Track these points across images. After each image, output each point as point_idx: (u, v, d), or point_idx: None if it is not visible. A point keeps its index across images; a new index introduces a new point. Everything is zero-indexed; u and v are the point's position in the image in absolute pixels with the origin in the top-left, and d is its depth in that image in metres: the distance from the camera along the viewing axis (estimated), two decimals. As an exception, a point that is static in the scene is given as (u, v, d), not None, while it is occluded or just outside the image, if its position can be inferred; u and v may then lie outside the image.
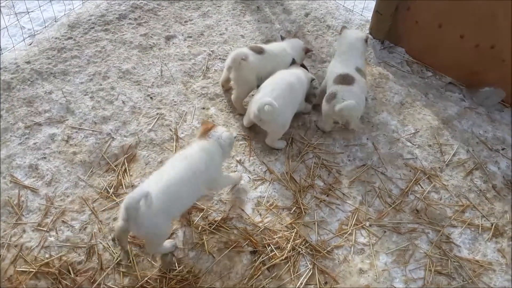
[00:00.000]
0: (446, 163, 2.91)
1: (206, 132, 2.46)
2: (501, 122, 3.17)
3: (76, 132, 2.88)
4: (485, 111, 3.26)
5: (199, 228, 2.53)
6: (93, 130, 2.90)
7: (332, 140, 3.00)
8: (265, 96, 2.73)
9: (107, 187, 2.68)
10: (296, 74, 2.97)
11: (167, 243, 2.41)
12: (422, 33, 3.45)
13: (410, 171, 2.87)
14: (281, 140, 2.93)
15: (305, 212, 2.64)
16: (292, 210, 2.65)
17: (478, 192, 2.77)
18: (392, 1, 3.39)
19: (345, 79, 2.87)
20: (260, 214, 2.63)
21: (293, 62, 3.14)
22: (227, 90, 3.18)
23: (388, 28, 3.57)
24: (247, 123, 2.99)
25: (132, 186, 2.69)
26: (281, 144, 2.92)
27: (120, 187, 2.69)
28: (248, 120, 2.95)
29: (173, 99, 3.13)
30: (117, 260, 2.39)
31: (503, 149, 2.98)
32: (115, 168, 2.77)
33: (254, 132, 2.98)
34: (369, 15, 3.79)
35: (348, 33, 3.16)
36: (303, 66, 3.23)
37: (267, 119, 2.73)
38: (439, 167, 2.89)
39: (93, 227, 2.51)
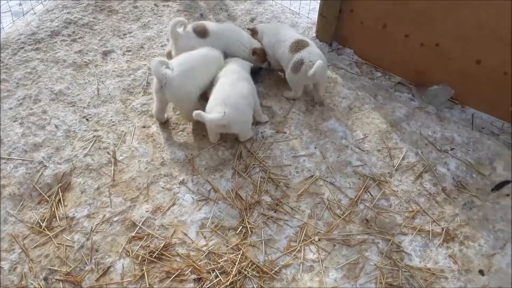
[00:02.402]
0: (395, 167, 2.84)
1: None
2: (450, 121, 3.12)
3: (5, 162, 2.70)
4: (434, 110, 3.20)
5: (139, 258, 2.39)
6: (23, 159, 2.72)
7: (279, 152, 2.89)
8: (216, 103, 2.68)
9: (39, 220, 2.51)
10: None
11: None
12: (368, 34, 3.38)
13: (360, 178, 2.79)
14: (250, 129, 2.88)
15: (251, 231, 2.53)
16: (239, 230, 2.53)
17: (428, 196, 2.71)
18: (335, 4, 3.30)
19: (301, 44, 2.98)
20: (205, 237, 2.50)
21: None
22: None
23: (333, 31, 3.48)
24: (214, 139, 2.88)
25: (66, 217, 2.53)
26: (251, 133, 2.90)
27: (54, 219, 2.53)
28: (213, 135, 2.85)
29: (111, 119, 2.97)
30: (50, 301, 2.24)
31: (452, 149, 2.92)
32: (48, 199, 2.60)
33: (197, 149, 2.85)
34: (315, 17, 3.70)
35: (265, 24, 3.37)
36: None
37: (226, 121, 2.65)
38: (389, 173, 2.82)
39: (23, 266, 2.34)
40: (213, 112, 2.65)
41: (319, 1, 3.47)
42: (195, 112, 2.60)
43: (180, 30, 3.00)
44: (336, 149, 2.91)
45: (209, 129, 2.81)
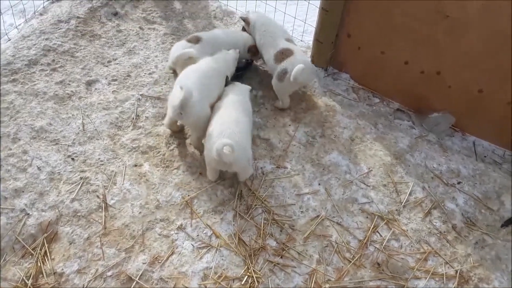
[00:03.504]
0: (403, 204, 2.73)
1: None
2: (453, 150, 3.04)
3: (-17, 212, 2.44)
4: (436, 139, 3.12)
5: (138, 319, 2.19)
6: (3, 208, 2.46)
7: (281, 190, 2.73)
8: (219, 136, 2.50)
9: (24, 278, 2.26)
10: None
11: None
12: (366, 59, 3.27)
13: (367, 217, 2.66)
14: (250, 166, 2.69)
15: (258, 281, 2.36)
16: (244, 280, 2.36)
17: (439, 234, 2.61)
18: (332, 29, 3.17)
19: (285, 53, 2.99)
20: (208, 290, 2.32)
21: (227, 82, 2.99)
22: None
23: (330, 56, 3.36)
24: (212, 176, 2.70)
25: (54, 273, 2.29)
26: (251, 170, 2.71)
27: (40, 275, 2.29)
28: (212, 172, 2.68)
29: (99, 158, 2.74)
30: None
31: (458, 183, 2.84)
32: (32, 252, 2.36)
33: (194, 190, 2.66)
34: (309, 39, 3.57)
35: (258, 14, 3.30)
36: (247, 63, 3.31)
37: (232, 160, 2.46)
38: (396, 210, 2.71)
39: (7, 335, 2.10)
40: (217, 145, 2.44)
41: (312, 24, 3.35)
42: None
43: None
44: (340, 185, 2.78)
45: (208, 165, 2.62)
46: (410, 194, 2.77)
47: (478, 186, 2.83)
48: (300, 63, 2.88)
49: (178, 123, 2.87)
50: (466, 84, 2.94)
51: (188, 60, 2.91)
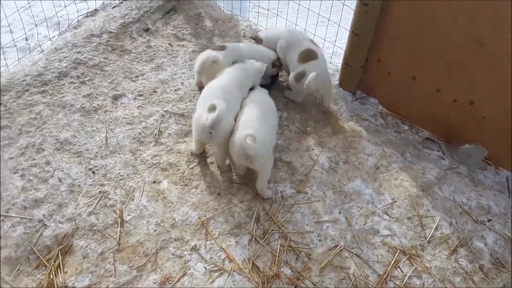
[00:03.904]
0: (427, 239, 2.59)
1: None
2: (484, 185, 2.88)
3: (2, 220, 2.46)
4: (466, 171, 2.97)
5: None
6: (21, 217, 2.49)
7: (300, 216, 2.65)
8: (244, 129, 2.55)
9: (36, 289, 2.27)
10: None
11: None
12: (396, 85, 3.17)
13: (388, 251, 2.54)
14: (269, 189, 2.72)
15: (270, 310, 2.28)
16: (255, 309, 2.28)
17: (464, 274, 2.46)
18: (362, 53, 3.10)
19: (310, 55, 3.01)
20: (218, 316, 2.25)
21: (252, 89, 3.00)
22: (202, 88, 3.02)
23: (358, 80, 3.28)
24: (240, 170, 2.77)
25: (66, 287, 2.28)
26: (269, 193, 2.70)
27: (52, 288, 2.29)
28: (240, 168, 2.75)
29: (119, 173, 2.74)
30: None
31: (489, 220, 2.68)
32: (46, 263, 2.36)
33: (211, 210, 2.62)
34: (338, 62, 3.51)
35: (266, 30, 3.39)
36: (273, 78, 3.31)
37: (253, 152, 2.49)
38: (420, 245, 2.57)
39: None
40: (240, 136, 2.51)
41: (341, 47, 3.29)
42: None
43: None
44: (362, 215, 2.68)
45: (235, 161, 2.70)
46: (436, 229, 2.64)
47: (510, 225, 2.66)
48: (320, 68, 2.98)
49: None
50: (501, 115, 2.80)
51: (213, 66, 2.92)
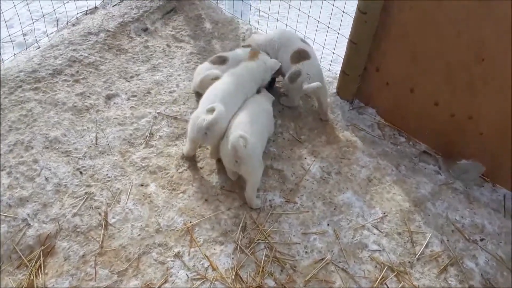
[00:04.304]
0: (417, 256, 2.53)
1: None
2: (480, 203, 2.81)
3: (-15, 218, 2.45)
4: (462, 187, 2.90)
5: None
6: (6, 215, 2.47)
7: (288, 226, 2.60)
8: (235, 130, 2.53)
9: (14, 290, 2.24)
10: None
11: None
12: (394, 96, 3.11)
13: (376, 266, 2.48)
14: (258, 198, 2.68)
15: (250, 323, 2.23)
16: (235, 320, 2.24)
17: (453, 295, 2.39)
18: (360, 62, 3.04)
19: (302, 55, 2.99)
20: (197, 326, 2.21)
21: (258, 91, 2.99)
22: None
23: (356, 90, 3.22)
24: (232, 175, 2.74)
25: (45, 289, 2.26)
26: (258, 202, 2.66)
27: (31, 290, 2.26)
28: (231, 172, 2.71)
29: (106, 174, 2.71)
30: None
31: (481, 240, 2.61)
32: (28, 263, 2.33)
33: (197, 217, 2.58)
34: (337, 69, 3.45)
35: (254, 36, 3.34)
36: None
37: (243, 155, 2.47)
38: (409, 262, 2.51)
39: None
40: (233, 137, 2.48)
41: (341, 55, 3.23)
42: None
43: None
44: (351, 228, 2.62)
45: (225, 165, 2.68)
46: (426, 246, 2.57)
47: (503, 245, 2.59)
48: (314, 67, 3.00)
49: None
50: (500, 132, 2.73)
51: (213, 81, 2.86)
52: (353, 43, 2.95)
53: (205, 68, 3.03)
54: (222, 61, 3.07)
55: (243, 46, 3.31)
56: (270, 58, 3.10)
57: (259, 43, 3.21)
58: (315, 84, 2.88)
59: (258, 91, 2.98)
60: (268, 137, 2.84)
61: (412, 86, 2.96)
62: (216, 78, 2.87)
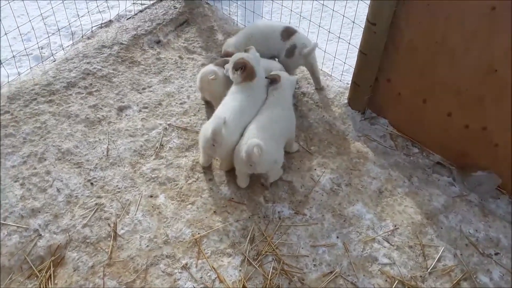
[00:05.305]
0: (429, 270, 2.47)
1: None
2: (495, 216, 2.73)
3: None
4: (477, 199, 2.83)
5: None
6: (18, 226, 2.52)
7: (296, 238, 2.57)
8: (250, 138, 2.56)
9: (25, 300, 2.28)
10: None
11: None
12: (406, 107, 3.06)
13: (386, 280, 2.43)
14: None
15: (256, 337, 2.21)
16: (242, 334, 2.22)
17: (466, 311, 2.32)
18: (371, 73, 3.01)
19: (290, 30, 3.19)
20: None
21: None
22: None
23: (367, 100, 3.18)
24: (243, 183, 2.76)
25: (54, 299, 2.28)
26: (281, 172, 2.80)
27: (41, 300, 2.29)
28: (242, 178, 2.74)
29: (117, 185, 2.74)
30: None
31: (496, 254, 2.53)
32: (38, 274, 2.37)
33: (206, 228, 2.58)
34: (349, 79, 3.42)
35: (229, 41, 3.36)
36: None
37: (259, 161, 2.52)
38: (421, 276, 2.45)
39: None
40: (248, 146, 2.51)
41: (352, 65, 3.20)
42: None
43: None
44: (361, 240, 2.57)
45: (238, 171, 2.71)
46: (438, 260, 2.51)
47: (520, 260, 2.51)
48: (305, 38, 3.20)
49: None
50: (515, 143, 2.66)
51: (213, 81, 2.91)
52: (363, 54, 2.93)
53: (205, 70, 3.04)
54: (225, 62, 3.08)
55: (221, 57, 3.31)
56: (256, 51, 3.01)
57: (237, 45, 3.24)
58: (312, 44, 3.10)
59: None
60: (289, 137, 2.88)
61: (425, 97, 2.91)
62: (214, 78, 2.91)
